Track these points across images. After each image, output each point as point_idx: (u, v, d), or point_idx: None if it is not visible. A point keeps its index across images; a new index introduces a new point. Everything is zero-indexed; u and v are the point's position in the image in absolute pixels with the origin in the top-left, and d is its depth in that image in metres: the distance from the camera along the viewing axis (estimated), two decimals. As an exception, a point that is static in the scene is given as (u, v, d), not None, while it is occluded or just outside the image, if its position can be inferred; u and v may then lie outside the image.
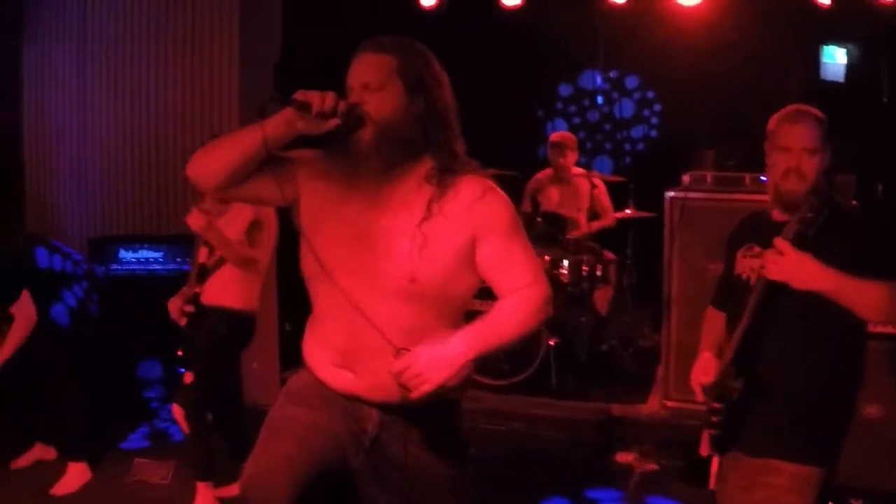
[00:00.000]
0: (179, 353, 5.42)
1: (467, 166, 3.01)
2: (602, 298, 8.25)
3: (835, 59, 8.94)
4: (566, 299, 7.91)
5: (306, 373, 3.14)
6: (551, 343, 7.50)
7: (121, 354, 7.19)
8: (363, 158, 2.94)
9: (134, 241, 7.64)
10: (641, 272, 8.54)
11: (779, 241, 3.18)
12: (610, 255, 8.39)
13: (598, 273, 8.01)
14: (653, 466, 6.08)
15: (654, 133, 10.38)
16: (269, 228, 5.47)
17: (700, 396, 3.61)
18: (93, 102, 8.26)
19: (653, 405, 7.03)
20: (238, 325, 5.52)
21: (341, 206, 2.99)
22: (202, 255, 5.46)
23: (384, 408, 3.02)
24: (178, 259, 7.39)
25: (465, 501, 3.22)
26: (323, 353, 3.06)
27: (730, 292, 3.71)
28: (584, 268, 7.92)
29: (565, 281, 7.83)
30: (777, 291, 3.28)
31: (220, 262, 5.45)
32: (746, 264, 3.59)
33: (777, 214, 3.54)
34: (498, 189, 3.02)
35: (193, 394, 5.28)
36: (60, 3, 8.34)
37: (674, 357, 6.84)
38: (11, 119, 8.30)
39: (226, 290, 5.44)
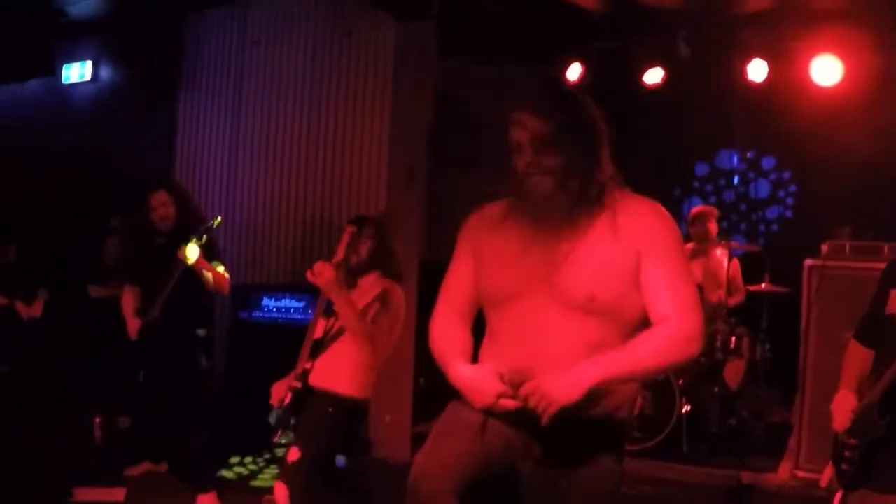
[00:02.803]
0: (276, 438, 5.07)
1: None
2: (733, 372, 8.20)
3: None
4: (699, 370, 7.91)
5: None
6: (684, 410, 7.47)
7: (256, 399, 7.33)
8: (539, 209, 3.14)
9: (277, 290, 7.84)
10: (774, 348, 8.47)
11: None
12: (743, 329, 8.36)
13: (731, 345, 8.00)
14: (781, 535, 6.00)
15: (788, 213, 10.31)
16: (395, 310, 5.09)
17: (839, 426, 3.63)
18: (243, 157, 8.58)
19: (783, 474, 6.94)
20: (345, 414, 5.07)
21: (513, 239, 3.16)
22: (318, 329, 5.13)
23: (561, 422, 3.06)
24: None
25: None
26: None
27: (879, 330, 3.71)
28: (717, 339, 7.93)
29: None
30: None
31: (335, 338, 5.09)
32: None
33: None
34: (663, 210, 3.16)
35: (297, 472, 4.88)
36: (218, 60, 8.69)
37: (807, 426, 6.78)
38: (164, 169, 8.63)
39: (338, 373, 5.04)
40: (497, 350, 3.23)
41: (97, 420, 7.35)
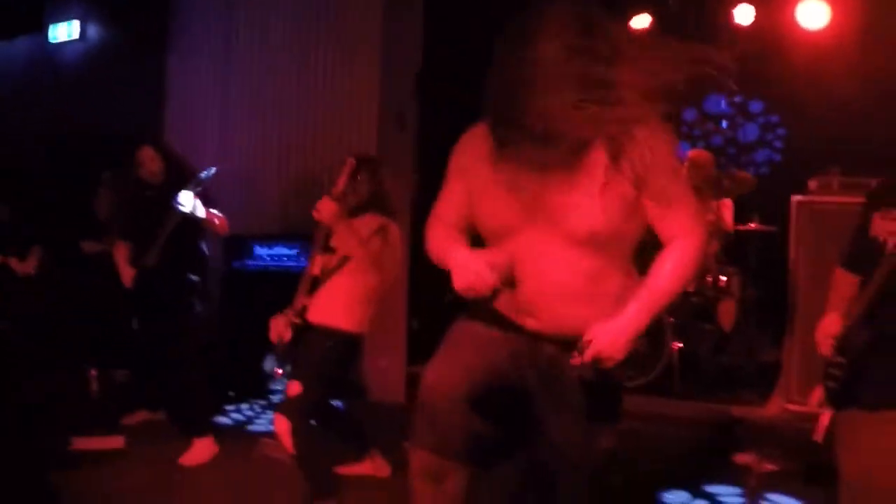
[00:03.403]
0: (279, 371, 5.16)
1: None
2: (726, 312, 8.26)
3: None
4: (690, 309, 7.99)
5: (485, 308, 3.28)
6: (675, 347, 7.56)
7: (251, 346, 7.36)
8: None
9: (269, 238, 7.89)
10: (765, 287, 8.53)
11: None
12: (733, 269, 8.42)
13: (722, 285, 8.07)
14: (772, 467, 6.04)
15: (777, 157, 10.38)
16: (393, 245, 5.26)
17: (824, 349, 3.67)
18: (233, 110, 8.58)
19: (774, 408, 7.01)
20: (342, 348, 5.20)
21: (505, 168, 3.12)
22: (316, 265, 5.21)
23: (564, 340, 3.12)
24: (310, 257, 7.60)
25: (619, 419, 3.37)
26: (504, 296, 3.20)
27: (864, 255, 3.73)
28: (707, 278, 8.00)
29: (690, 290, 7.91)
30: None
31: (332, 273, 5.20)
32: (885, 227, 3.61)
33: None
34: (662, 129, 3.11)
35: (297, 405, 5.01)
36: (206, 15, 8.68)
37: (797, 361, 6.84)
38: (154, 124, 8.64)
39: (335, 308, 5.17)
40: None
41: (93, 373, 7.40)
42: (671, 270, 3.09)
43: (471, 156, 3.27)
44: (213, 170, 6.15)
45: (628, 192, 3.04)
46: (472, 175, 3.25)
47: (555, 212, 3.05)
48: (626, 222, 3.09)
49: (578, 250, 3.06)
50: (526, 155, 3.04)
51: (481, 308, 3.27)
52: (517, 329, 3.18)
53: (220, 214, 6.24)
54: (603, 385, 3.19)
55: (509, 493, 3.43)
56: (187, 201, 5.95)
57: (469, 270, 3.03)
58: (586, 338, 2.97)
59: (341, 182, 4.99)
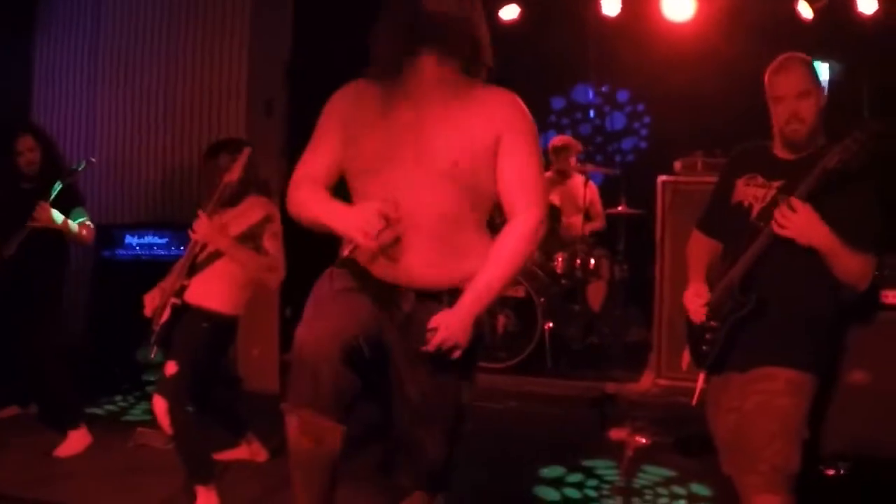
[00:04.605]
0: (155, 350, 5.10)
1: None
2: (595, 293, 8.45)
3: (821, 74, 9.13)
4: (560, 291, 8.13)
5: (346, 261, 3.39)
6: (546, 327, 7.68)
7: (123, 337, 7.27)
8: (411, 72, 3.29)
9: (139, 227, 7.79)
10: (633, 269, 8.73)
11: (795, 201, 3.40)
12: (602, 251, 8.61)
13: (591, 267, 8.23)
14: (645, 441, 6.16)
15: (643, 144, 10.61)
16: (279, 231, 5.16)
17: (698, 316, 3.78)
18: (102, 98, 8.43)
19: (645, 383, 7.19)
20: (218, 329, 5.16)
21: (383, 108, 3.29)
22: (195, 247, 5.10)
23: (420, 292, 3.29)
24: (182, 246, 7.48)
25: (473, 373, 3.48)
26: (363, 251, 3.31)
27: (724, 220, 3.86)
28: (577, 260, 8.17)
29: (559, 272, 8.07)
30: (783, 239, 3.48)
31: (212, 258, 5.13)
32: (749, 193, 3.73)
33: (779, 151, 3.72)
34: (522, 103, 3.36)
35: (174, 385, 4.93)
36: (73, 3, 8.52)
37: (665, 336, 7.03)
38: (21, 111, 8.44)
39: (213, 291, 5.12)
40: None
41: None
42: (513, 246, 3.28)
43: (348, 101, 3.40)
44: (84, 163, 6.04)
45: (489, 139, 3.23)
46: (349, 119, 3.36)
47: (420, 142, 3.20)
48: (484, 168, 3.25)
49: (439, 189, 3.19)
50: (403, 90, 3.27)
51: (343, 262, 3.38)
52: (377, 282, 3.29)
53: (84, 220, 6.09)
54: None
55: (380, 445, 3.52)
56: (58, 217, 5.84)
57: (362, 222, 3.12)
58: (431, 325, 3.14)
59: (237, 170, 4.94)
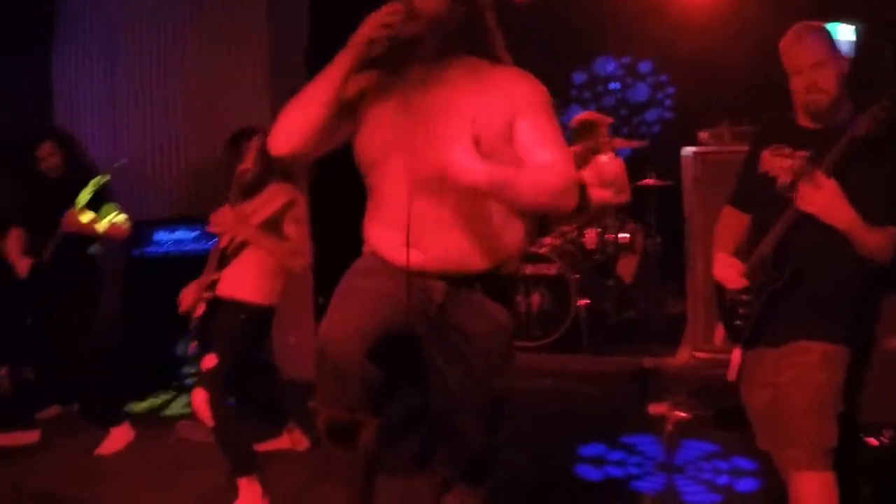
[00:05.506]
0: (193, 346, 5.26)
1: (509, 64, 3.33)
2: (626, 267, 8.42)
3: (843, 36, 9.04)
4: (592, 266, 8.11)
5: (371, 255, 3.35)
6: (581, 304, 7.67)
7: (159, 332, 7.29)
8: (413, 53, 3.22)
9: (169, 223, 7.81)
10: (665, 241, 8.69)
11: (819, 176, 3.34)
12: (633, 224, 8.57)
13: (622, 241, 8.20)
14: (685, 415, 6.14)
15: (668, 115, 10.55)
16: (303, 216, 5.17)
17: (734, 283, 3.71)
18: (124, 96, 8.43)
19: (682, 357, 7.14)
20: (254, 321, 5.17)
21: (397, 97, 3.26)
22: (223, 240, 5.18)
23: (449, 279, 3.24)
24: (213, 239, 7.49)
25: (511, 363, 3.42)
26: (388, 234, 3.27)
27: (754, 191, 3.80)
28: (608, 235, 8.13)
29: (590, 248, 8.04)
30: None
31: (240, 248, 5.14)
32: (776, 163, 3.66)
33: (804, 121, 3.65)
34: (538, 81, 3.27)
35: (214, 378, 4.95)
36: (90, 8, 8.53)
37: (701, 309, 6.97)
38: (43, 116, 8.45)
39: (245, 282, 5.13)
40: (380, 211, 3.34)
41: (3, 371, 7.26)
42: (537, 174, 3.11)
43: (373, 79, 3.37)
44: (108, 177, 6.09)
45: (504, 116, 3.16)
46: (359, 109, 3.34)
47: (440, 127, 3.13)
48: (503, 145, 3.16)
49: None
50: (414, 76, 3.23)
51: (369, 255, 3.34)
52: (405, 272, 3.20)
53: (114, 215, 6.12)
54: (495, 332, 3.30)
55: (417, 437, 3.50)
56: (86, 217, 5.90)
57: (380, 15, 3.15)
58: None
59: (250, 158, 4.95)
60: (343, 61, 3.16)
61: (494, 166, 2.98)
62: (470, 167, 2.91)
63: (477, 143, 3.04)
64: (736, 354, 3.76)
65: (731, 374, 3.78)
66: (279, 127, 3.27)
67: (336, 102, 3.19)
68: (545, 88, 3.28)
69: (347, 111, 3.30)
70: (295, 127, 3.23)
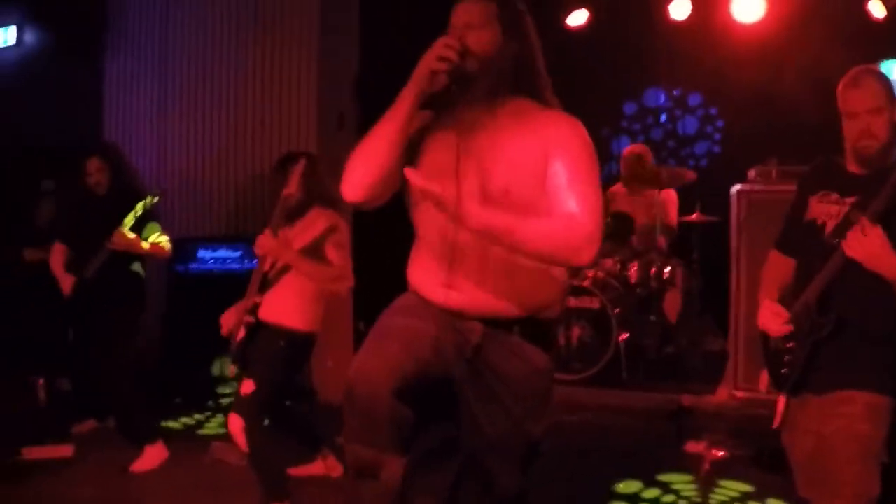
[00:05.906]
0: (232, 369, 5.16)
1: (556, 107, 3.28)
2: (671, 304, 8.36)
3: (894, 74, 8.98)
4: (634, 301, 8.07)
5: (412, 293, 3.32)
6: (622, 338, 7.63)
7: (198, 350, 7.34)
8: (466, 92, 3.18)
9: (213, 241, 7.84)
10: (708, 278, 8.63)
11: (866, 223, 3.30)
12: (676, 260, 8.52)
13: (665, 276, 8.15)
14: (723, 454, 6.09)
15: (716, 148, 10.50)
16: (345, 242, 5.19)
17: (779, 332, 3.70)
18: (172, 112, 8.52)
19: (722, 395, 7.11)
20: (294, 347, 5.17)
21: (442, 136, 3.23)
22: (266, 263, 5.17)
23: (487, 321, 3.20)
24: (255, 259, 7.54)
25: (549, 407, 3.39)
26: (428, 276, 3.24)
27: (801, 238, 3.77)
28: (651, 269, 8.09)
29: (633, 282, 8.00)
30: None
31: (282, 273, 5.16)
32: (823, 210, 3.65)
33: (852, 166, 3.64)
34: (581, 125, 3.21)
35: (251, 404, 4.97)
36: (143, 18, 8.62)
37: (742, 349, 6.93)
38: (93, 129, 8.55)
39: (286, 307, 5.14)
40: (423, 250, 3.32)
41: (40, 382, 7.32)
42: (550, 228, 3.03)
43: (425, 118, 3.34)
44: (160, 194, 6.13)
45: (540, 163, 3.10)
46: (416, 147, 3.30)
47: (471, 170, 3.10)
48: (540, 196, 3.09)
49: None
50: (464, 116, 3.18)
51: (410, 294, 3.31)
52: (443, 311, 3.18)
53: (157, 236, 6.17)
54: (533, 375, 3.26)
55: (447, 480, 3.44)
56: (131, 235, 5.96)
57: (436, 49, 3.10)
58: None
59: (294, 182, 4.97)
60: (407, 96, 3.14)
61: (493, 213, 2.96)
62: (468, 212, 2.92)
63: (507, 189, 3.03)
64: (781, 402, 3.74)
65: (777, 422, 3.76)
66: (351, 173, 3.22)
67: (404, 140, 3.17)
68: (586, 132, 3.20)
69: (410, 150, 3.29)
70: (367, 171, 3.19)
